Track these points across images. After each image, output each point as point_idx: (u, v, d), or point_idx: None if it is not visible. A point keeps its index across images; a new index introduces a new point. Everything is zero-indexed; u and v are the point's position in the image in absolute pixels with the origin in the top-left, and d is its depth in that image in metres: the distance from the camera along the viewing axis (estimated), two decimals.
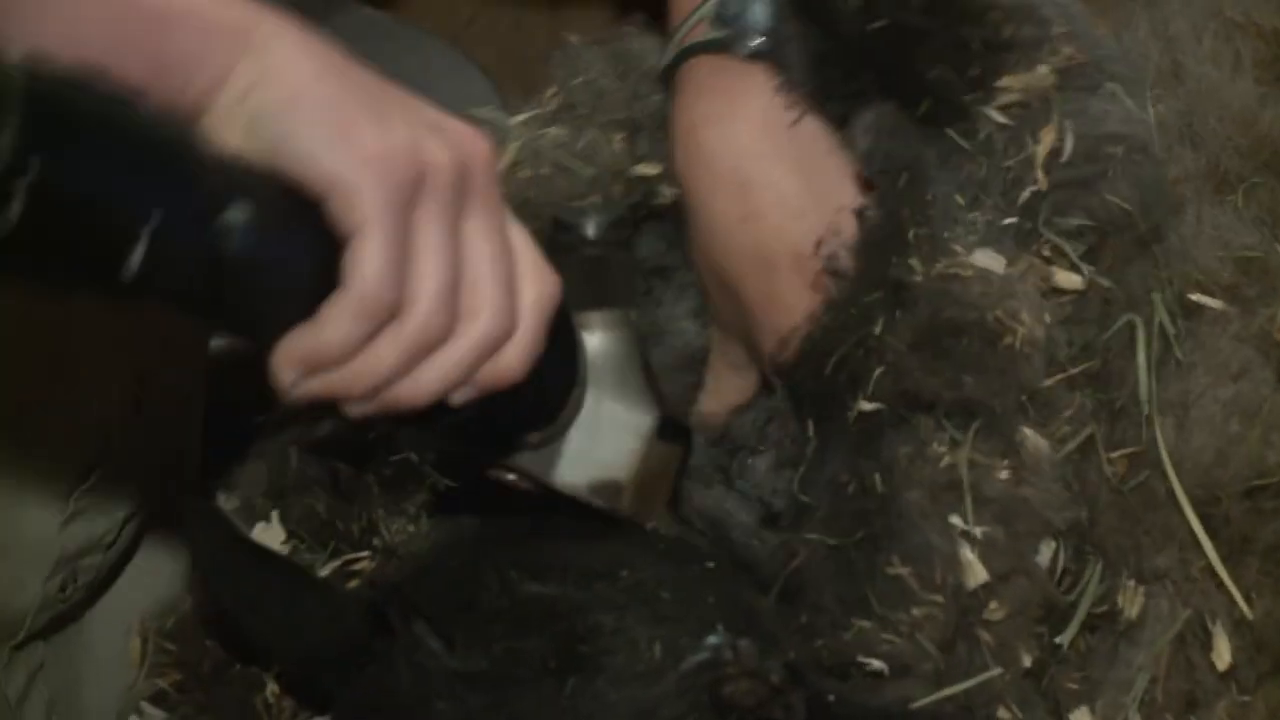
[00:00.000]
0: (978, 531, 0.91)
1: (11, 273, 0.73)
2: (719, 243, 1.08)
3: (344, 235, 0.79)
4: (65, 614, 1.20)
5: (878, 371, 0.97)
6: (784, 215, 1.05)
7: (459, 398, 0.85)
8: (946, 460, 0.93)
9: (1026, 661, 0.93)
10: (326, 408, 0.84)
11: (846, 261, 1.02)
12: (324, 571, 1.03)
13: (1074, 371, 0.99)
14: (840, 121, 1.06)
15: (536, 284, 0.87)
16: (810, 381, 1.02)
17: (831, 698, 0.87)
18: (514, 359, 0.86)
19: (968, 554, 0.91)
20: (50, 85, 0.70)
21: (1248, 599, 0.98)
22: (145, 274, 0.73)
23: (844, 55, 1.05)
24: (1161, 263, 1.06)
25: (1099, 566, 0.98)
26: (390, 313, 0.80)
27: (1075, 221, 1.01)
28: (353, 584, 1.03)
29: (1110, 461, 0.99)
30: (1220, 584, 0.99)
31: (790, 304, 1.04)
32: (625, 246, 1.05)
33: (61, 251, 0.72)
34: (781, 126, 1.06)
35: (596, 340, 1.01)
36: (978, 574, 0.91)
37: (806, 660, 0.92)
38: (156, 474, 1.23)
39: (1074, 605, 0.96)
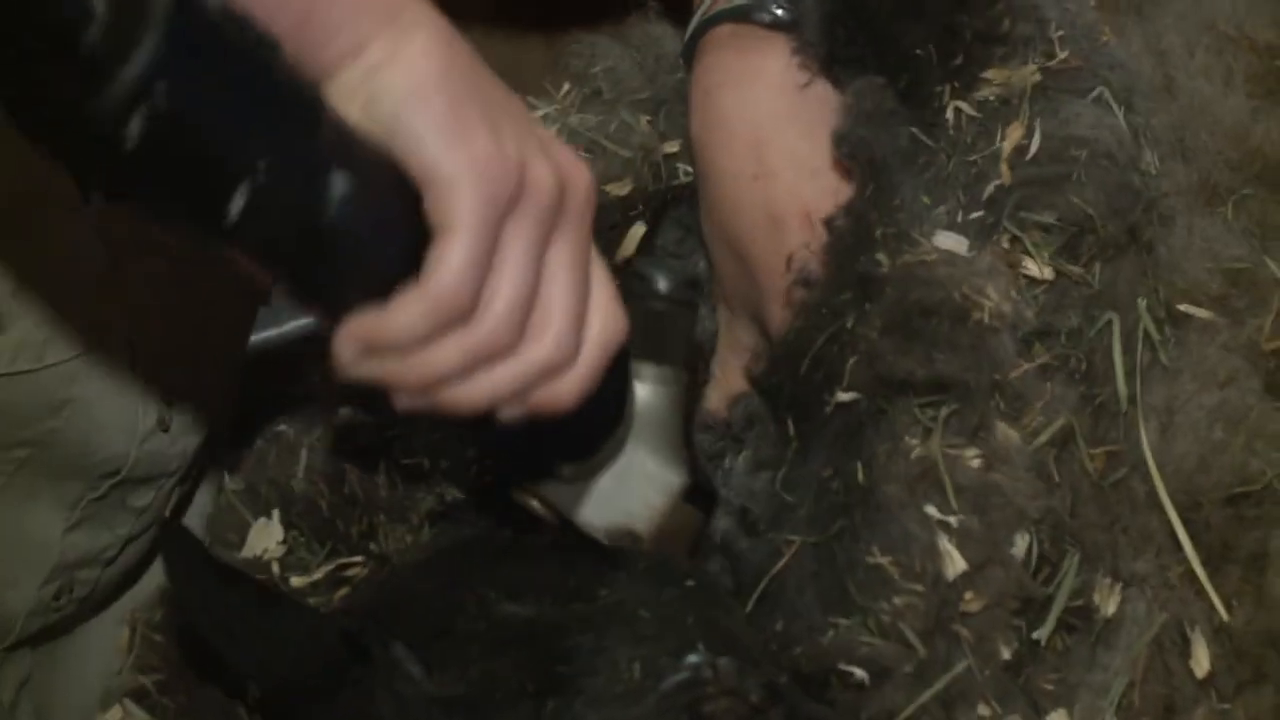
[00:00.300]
0: (953, 520, 0.92)
1: (125, 195, 0.74)
2: (730, 202, 1.10)
3: (435, 229, 0.80)
4: (55, 625, 1.20)
5: (852, 361, 0.98)
6: (797, 174, 1.07)
7: (508, 414, 0.86)
8: (919, 451, 0.93)
9: (1005, 655, 0.92)
10: (377, 394, 0.84)
11: (817, 271, 1.03)
12: (316, 575, 1.03)
13: (1047, 357, 0.99)
14: (842, 85, 1.08)
15: (606, 321, 0.88)
16: (788, 384, 1.03)
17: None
18: (569, 388, 0.87)
19: (945, 543, 0.91)
20: (193, 10, 0.71)
21: (1228, 607, 0.98)
22: (244, 217, 0.74)
23: (852, 18, 1.07)
24: (1150, 270, 1.06)
25: (1076, 558, 0.97)
26: (461, 315, 0.81)
27: (1040, 218, 1.01)
28: (341, 591, 1.04)
29: (1091, 457, 0.99)
30: (1200, 590, 0.99)
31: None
32: (692, 307, 1.05)
33: (171, 179, 0.73)
34: (796, 90, 1.09)
35: (644, 392, 1.02)
36: (956, 563, 0.91)
37: (785, 669, 0.91)
38: (174, 495, 1.23)
39: (1050, 598, 0.96)
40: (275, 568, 1.04)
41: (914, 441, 0.94)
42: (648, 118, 1.20)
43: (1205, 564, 1.00)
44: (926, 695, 0.90)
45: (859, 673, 0.89)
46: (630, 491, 1.00)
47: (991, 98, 1.04)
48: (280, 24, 0.76)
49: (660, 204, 1.20)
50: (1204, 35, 1.20)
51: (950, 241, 1.00)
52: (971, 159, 1.03)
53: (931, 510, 0.92)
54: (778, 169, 1.08)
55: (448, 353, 0.82)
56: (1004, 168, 1.02)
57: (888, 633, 0.90)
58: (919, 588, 0.91)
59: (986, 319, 0.96)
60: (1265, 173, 1.15)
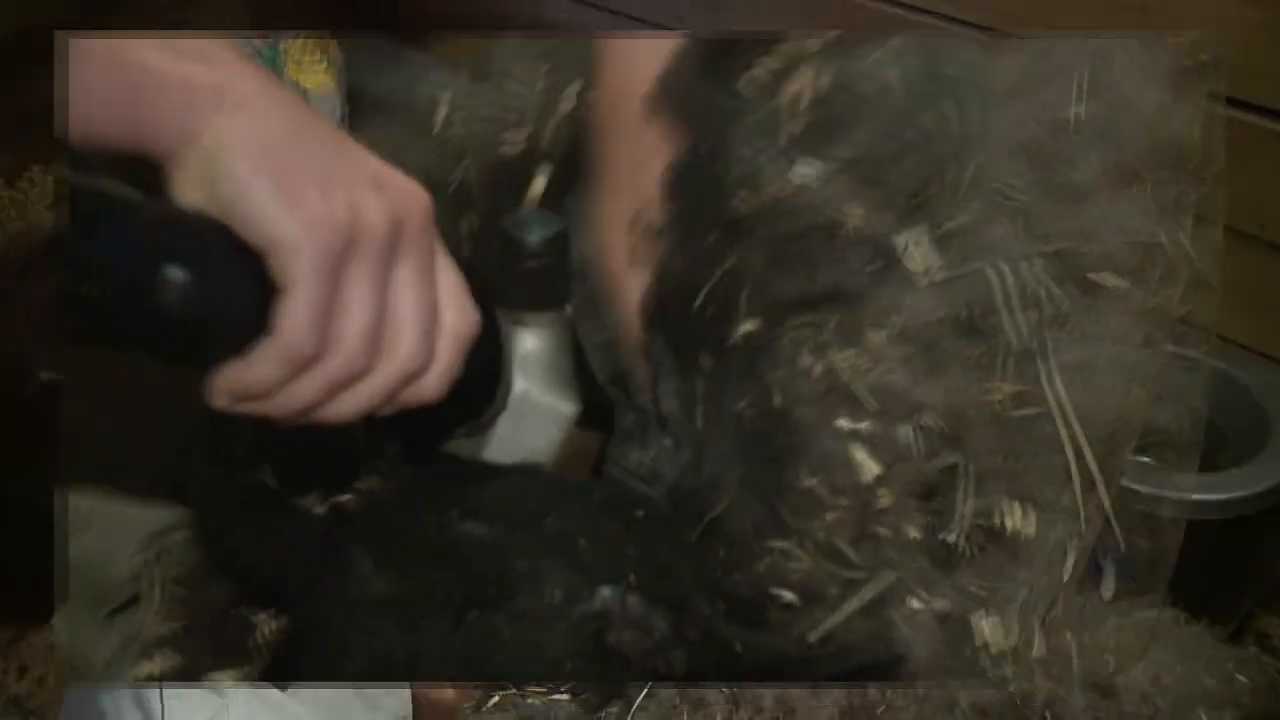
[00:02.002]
0: (862, 428, 0.95)
1: None
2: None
3: (280, 286, 0.88)
4: None
5: (745, 293, 1.02)
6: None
7: (382, 413, 0.95)
8: (820, 367, 0.96)
9: (913, 534, 0.95)
10: None
11: (662, 219, 1.08)
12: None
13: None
14: None
15: (456, 318, 0.96)
16: (681, 323, 1.08)
17: (739, 647, 0.90)
18: (431, 385, 0.95)
19: (858, 452, 0.94)
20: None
21: (1128, 541, 1.03)
22: (91, 321, 0.84)
23: None
24: (1037, 232, 1.09)
25: (972, 470, 0.98)
26: (313, 358, 0.90)
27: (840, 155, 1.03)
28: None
29: (996, 390, 1.02)
30: (1108, 524, 1.02)
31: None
32: (564, 251, 1.10)
33: None
34: None
35: (531, 337, 1.08)
36: (870, 469, 0.94)
37: (728, 594, 0.93)
38: None
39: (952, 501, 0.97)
40: None
41: (810, 359, 0.97)
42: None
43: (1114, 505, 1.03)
44: (851, 605, 0.92)
45: (788, 595, 0.93)
46: (527, 430, 1.07)
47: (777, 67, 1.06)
48: (118, 131, 0.86)
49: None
50: None
51: (803, 169, 1.03)
52: (774, 106, 1.06)
53: (842, 422, 0.95)
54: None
55: (308, 387, 0.90)
56: (786, 116, 1.05)
57: (823, 550, 0.94)
58: (845, 501, 0.94)
59: (852, 229, 1.00)
60: (1179, 159, 1.16)
